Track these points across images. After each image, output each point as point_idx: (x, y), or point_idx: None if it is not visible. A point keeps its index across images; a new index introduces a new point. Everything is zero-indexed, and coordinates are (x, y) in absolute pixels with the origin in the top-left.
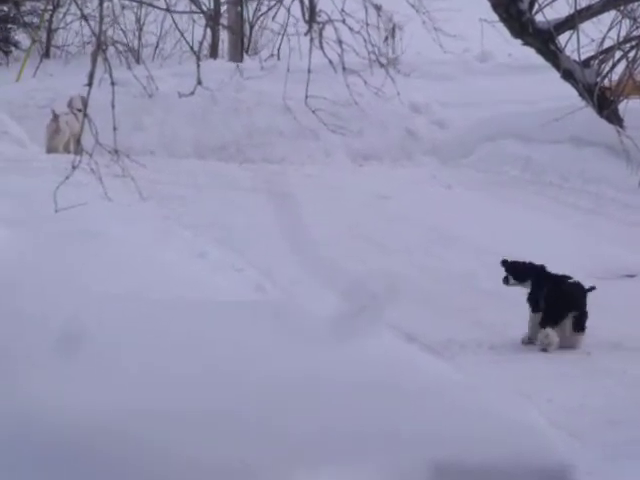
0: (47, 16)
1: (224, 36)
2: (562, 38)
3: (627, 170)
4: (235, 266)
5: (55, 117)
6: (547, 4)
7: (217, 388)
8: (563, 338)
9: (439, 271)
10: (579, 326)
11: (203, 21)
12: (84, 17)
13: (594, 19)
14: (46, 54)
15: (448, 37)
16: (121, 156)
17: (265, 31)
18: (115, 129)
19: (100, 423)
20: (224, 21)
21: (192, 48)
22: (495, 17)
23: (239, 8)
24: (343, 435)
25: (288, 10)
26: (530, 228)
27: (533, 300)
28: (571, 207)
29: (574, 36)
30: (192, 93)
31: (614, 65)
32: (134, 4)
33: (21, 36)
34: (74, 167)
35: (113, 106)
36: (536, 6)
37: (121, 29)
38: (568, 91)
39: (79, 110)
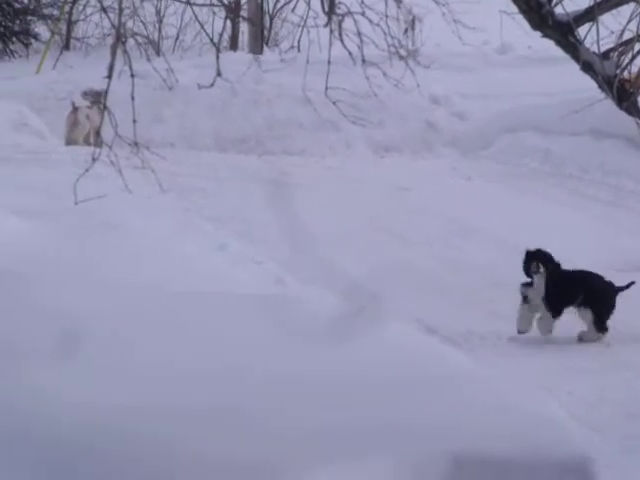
0: (67, 8)
1: (244, 28)
2: (582, 30)
3: None
4: (255, 259)
5: (74, 109)
6: None
7: (231, 383)
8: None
9: (459, 263)
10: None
11: (223, 13)
12: (104, 9)
13: (613, 11)
14: (66, 46)
15: (468, 29)
16: (141, 148)
17: (285, 23)
18: (135, 121)
19: (105, 418)
20: (244, 13)
21: (212, 40)
22: (514, 9)
23: (259, 0)
24: (360, 428)
25: (308, 2)
26: (549, 220)
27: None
28: (591, 199)
29: (593, 28)
30: (212, 85)
31: (634, 57)
32: None
33: (41, 28)
34: (94, 159)
35: (133, 98)
36: None
37: (141, 21)
38: (587, 83)
39: (93, 103)
